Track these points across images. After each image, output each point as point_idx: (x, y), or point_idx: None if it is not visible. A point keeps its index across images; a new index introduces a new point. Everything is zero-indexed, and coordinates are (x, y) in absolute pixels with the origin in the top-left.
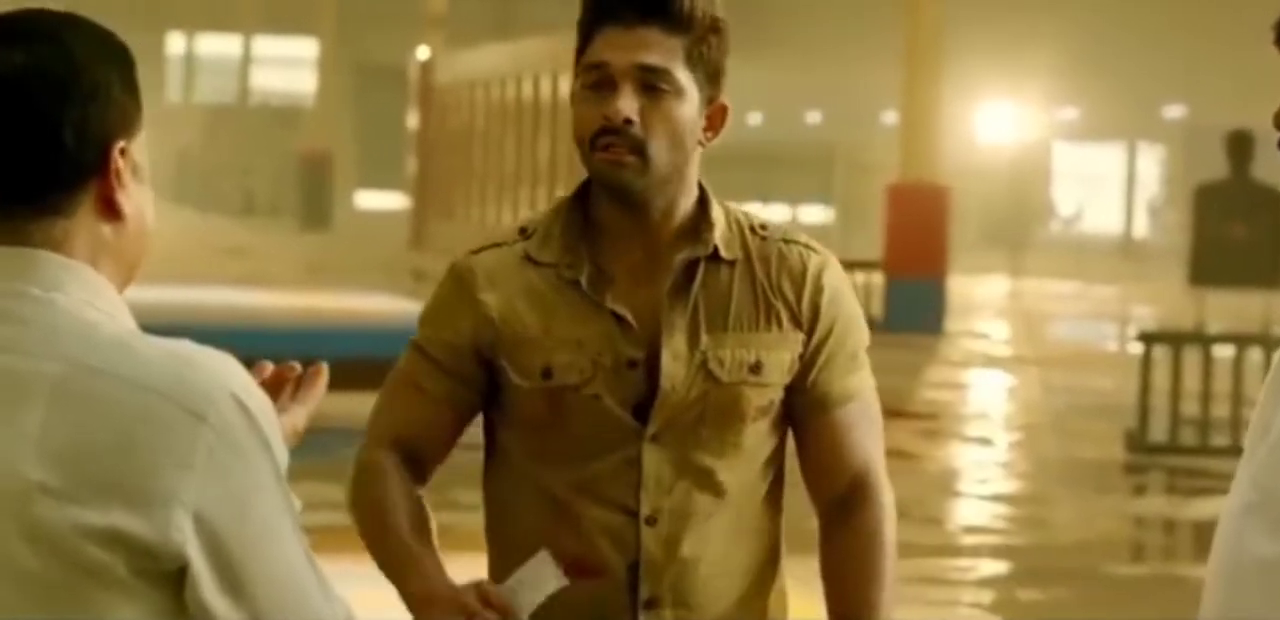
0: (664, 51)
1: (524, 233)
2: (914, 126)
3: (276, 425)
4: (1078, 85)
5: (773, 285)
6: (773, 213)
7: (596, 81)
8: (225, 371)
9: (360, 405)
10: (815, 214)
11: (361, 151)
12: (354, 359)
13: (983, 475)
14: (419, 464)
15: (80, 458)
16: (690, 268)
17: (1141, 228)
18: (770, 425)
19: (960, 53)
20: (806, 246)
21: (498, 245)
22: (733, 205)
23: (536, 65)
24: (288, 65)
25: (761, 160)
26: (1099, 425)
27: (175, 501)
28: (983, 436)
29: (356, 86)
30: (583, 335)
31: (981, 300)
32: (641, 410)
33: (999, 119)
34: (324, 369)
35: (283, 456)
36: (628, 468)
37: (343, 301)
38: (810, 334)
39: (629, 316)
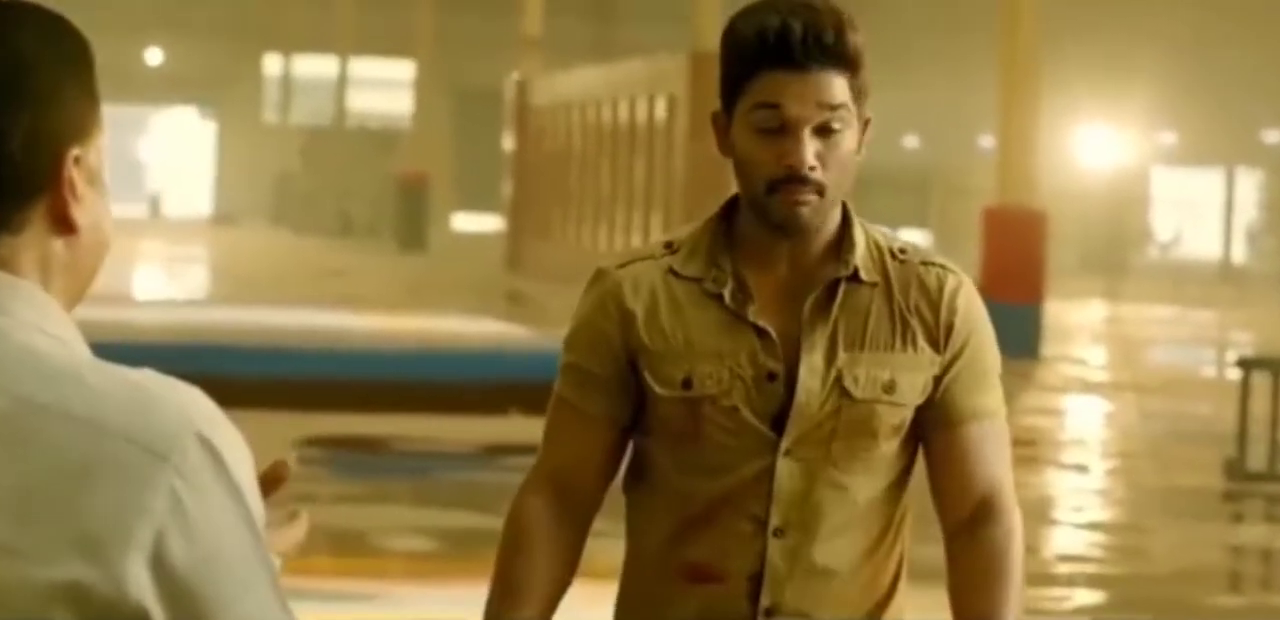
0: (839, 89)
1: (669, 247)
2: (1012, 150)
3: (250, 469)
4: (1176, 110)
5: (909, 306)
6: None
7: (773, 126)
8: (191, 406)
9: (453, 429)
10: (913, 238)
11: (458, 174)
12: (448, 382)
13: (1079, 503)
14: (578, 495)
15: (28, 506)
16: (832, 287)
17: (1240, 253)
18: (902, 445)
19: (1058, 76)
20: (943, 268)
21: (643, 258)
22: (869, 225)
23: (633, 87)
24: (385, 87)
25: (858, 184)
26: (1197, 452)
27: (132, 550)
28: (1080, 463)
29: (453, 109)
30: (724, 347)
31: (1079, 325)
32: (778, 423)
33: (1097, 143)
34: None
35: (256, 504)
36: (761, 480)
37: (439, 324)
38: (944, 353)
39: (771, 331)
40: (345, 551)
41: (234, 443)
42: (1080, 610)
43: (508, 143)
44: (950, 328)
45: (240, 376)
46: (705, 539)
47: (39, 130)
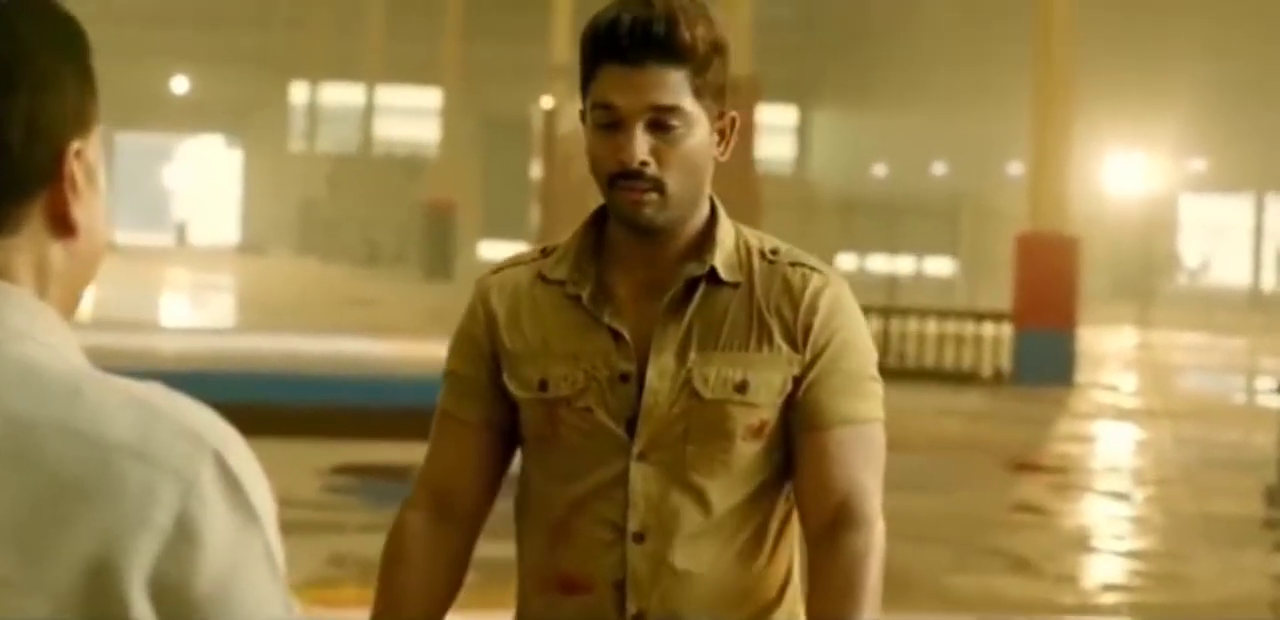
0: (670, 88)
1: (545, 253)
2: (1044, 176)
3: (270, 498)
4: (1206, 136)
5: (770, 306)
6: (899, 264)
7: (606, 122)
8: (205, 425)
9: None
10: (942, 265)
11: (485, 201)
12: None
13: (1117, 531)
14: (458, 504)
15: (24, 530)
16: (689, 287)
17: (1270, 279)
18: (768, 448)
19: (1088, 103)
20: (811, 269)
21: (516, 264)
22: (748, 229)
23: None
24: (411, 115)
25: (887, 211)
26: (1234, 479)
27: (135, 575)
28: (1116, 491)
29: (480, 136)
30: (579, 349)
31: (1110, 352)
32: (633, 425)
33: (1126, 169)
34: None
35: (275, 536)
36: (617, 484)
37: None
38: (803, 353)
39: (625, 332)
40: (374, 582)
41: (252, 468)
42: None
43: (535, 170)
44: (809, 328)
45: (267, 404)
46: (571, 547)
47: (39, 119)
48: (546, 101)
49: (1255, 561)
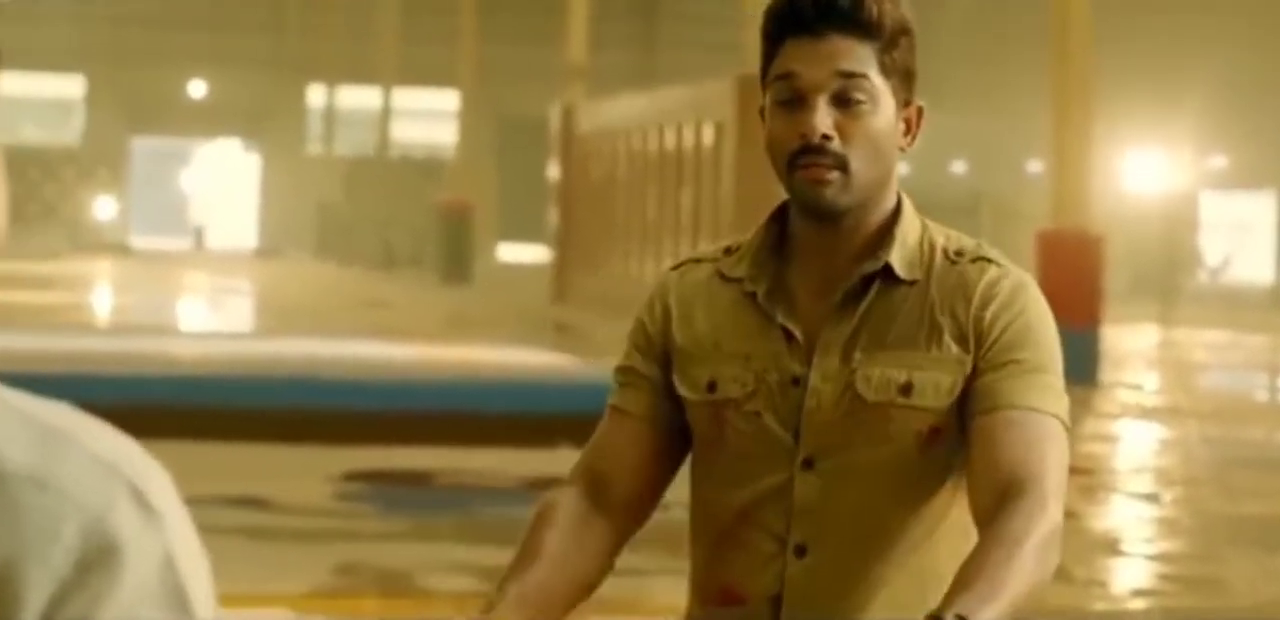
0: (857, 59)
1: (728, 251)
2: (1065, 173)
3: (191, 533)
4: (1227, 133)
5: (944, 304)
6: None
7: (788, 97)
8: (118, 453)
9: (499, 462)
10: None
11: (503, 204)
12: (494, 414)
13: (1146, 533)
14: (611, 493)
15: None
16: (864, 284)
17: None
18: (944, 457)
19: (1108, 100)
20: (992, 262)
21: (697, 261)
22: (940, 228)
23: (679, 114)
24: (428, 117)
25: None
26: (1264, 479)
27: (23, 615)
28: (1144, 492)
29: (498, 138)
30: (752, 350)
31: (1133, 350)
32: (799, 432)
33: (1147, 167)
34: None
35: (194, 577)
36: (781, 494)
37: (484, 355)
38: (974, 349)
39: (798, 332)
40: (389, 591)
41: (174, 504)
42: None
43: (552, 172)
44: (980, 319)
45: (282, 409)
46: (733, 558)
47: None
48: (564, 102)
49: None
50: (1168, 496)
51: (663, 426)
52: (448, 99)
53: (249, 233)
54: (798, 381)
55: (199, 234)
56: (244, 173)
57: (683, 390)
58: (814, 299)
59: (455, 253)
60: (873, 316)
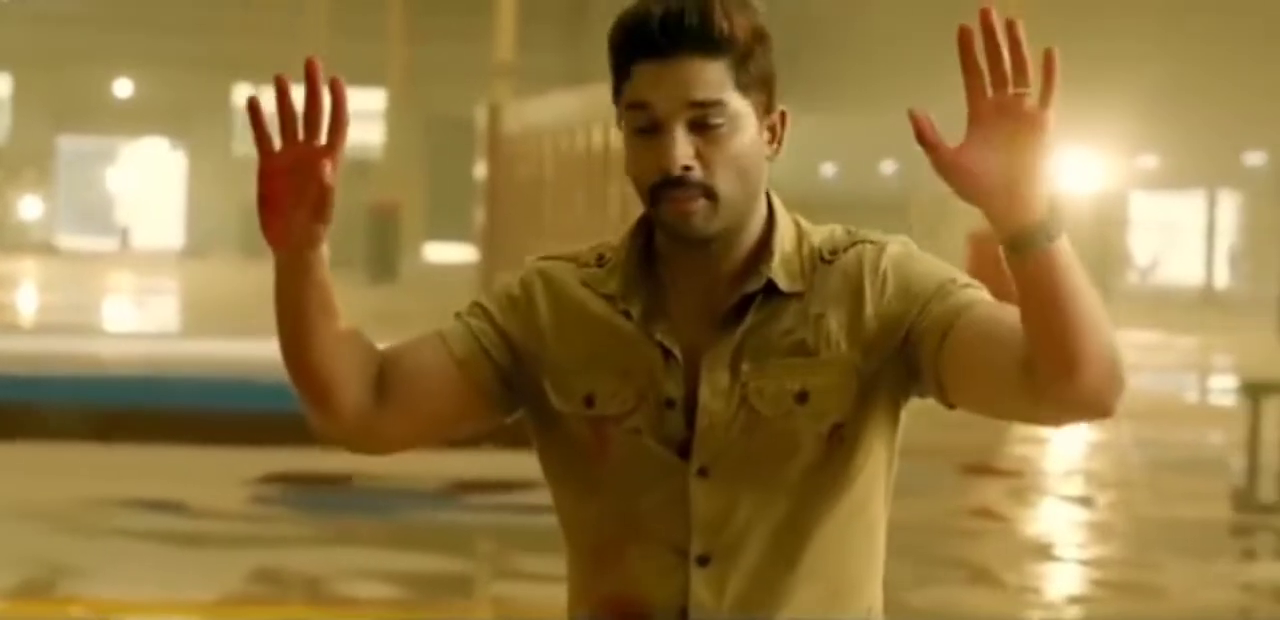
0: (710, 82)
1: (600, 262)
2: None
3: None
4: (1157, 133)
5: (829, 307)
6: None
7: (644, 126)
8: None
9: (421, 464)
10: None
11: (430, 203)
12: None
13: (1079, 538)
14: (390, 392)
15: None
16: (745, 302)
17: (1221, 277)
18: (846, 454)
19: None
20: (863, 243)
21: (570, 262)
22: (815, 227)
23: (606, 113)
24: (356, 117)
25: (835, 211)
26: (1198, 482)
27: None
28: (1076, 495)
29: (426, 138)
30: (629, 364)
31: None
32: (685, 449)
33: (1077, 167)
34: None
35: None
36: (676, 503)
37: None
38: (915, 321)
39: (676, 351)
40: (304, 599)
41: None
42: None
43: (480, 171)
44: (890, 311)
45: (199, 410)
46: (625, 570)
47: None
48: (491, 101)
49: (1225, 570)
50: (1100, 500)
51: (470, 384)
52: (375, 99)
53: (176, 233)
54: (671, 403)
55: (125, 234)
56: (170, 172)
57: (558, 403)
58: (693, 318)
59: (382, 252)
60: (757, 330)
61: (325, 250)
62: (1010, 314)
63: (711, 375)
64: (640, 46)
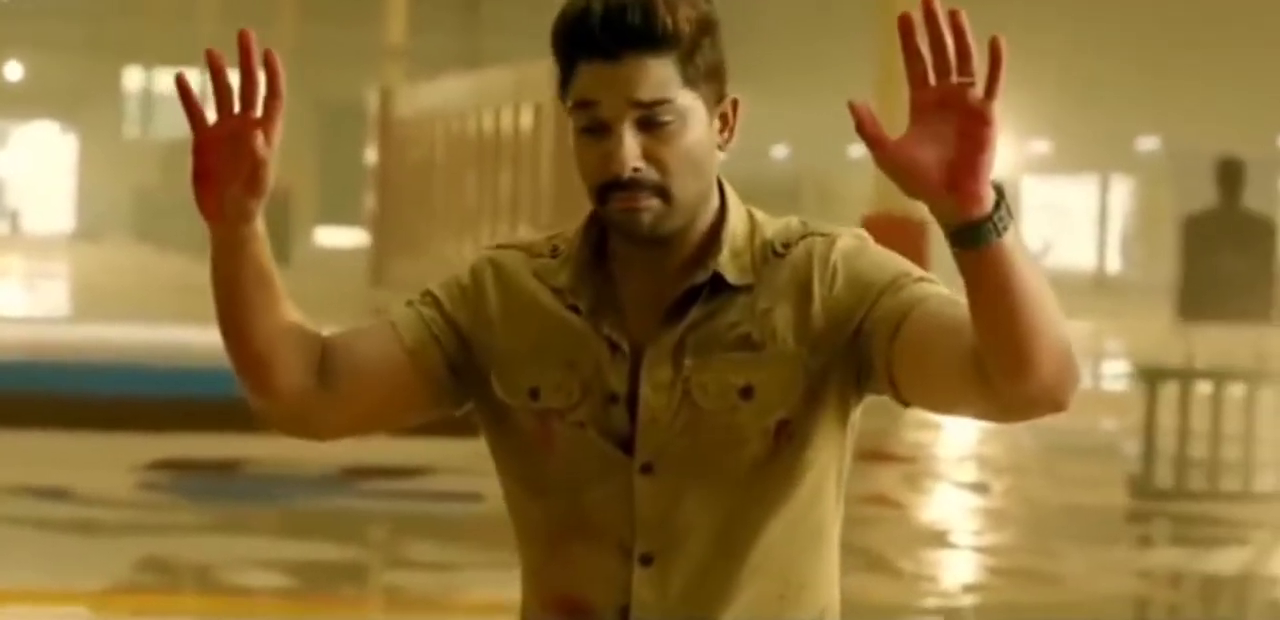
0: (656, 81)
1: (554, 253)
2: None
3: None
4: (1049, 118)
5: (778, 301)
6: None
7: (591, 125)
8: None
9: (310, 450)
10: None
11: (322, 187)
12: None
13: (975, 525)
14: (331, 366)
15: None
16: (692, 294)
17: (1114, 262)
18: (794, 452)
19: None
20: (814, 235)
21: (522, 251)
22: (770, 219)
23: (498, 97)
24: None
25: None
26: (1093, 468)
27: None
28: (970, 481)
29: (316, 121)
30: (575, 356)
31: None
32: (630, 444)
33: None
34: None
35: None
36: (621, 501)
37: None
38: (866, 313)
39: (624, 345)
40: (189, 588)
41: None
42: None
43: (371, 155)
44: (823, 296)
45: (88, 395)
46: (571, 568)
47: None
48: (382, 84)
49: (1122, 557)
50: (995, 486)
51: (417, 374)
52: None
53: (66, 216)
54: (615, 398)
55: (15, 217)
56: (61, 156)
57: (503, 395)
58: (642, 312)
59: (273, 236)
60: (702, 324)
61: (260, 226)
62: (965, 309)
63: (653, 370)
64: (582, 46)
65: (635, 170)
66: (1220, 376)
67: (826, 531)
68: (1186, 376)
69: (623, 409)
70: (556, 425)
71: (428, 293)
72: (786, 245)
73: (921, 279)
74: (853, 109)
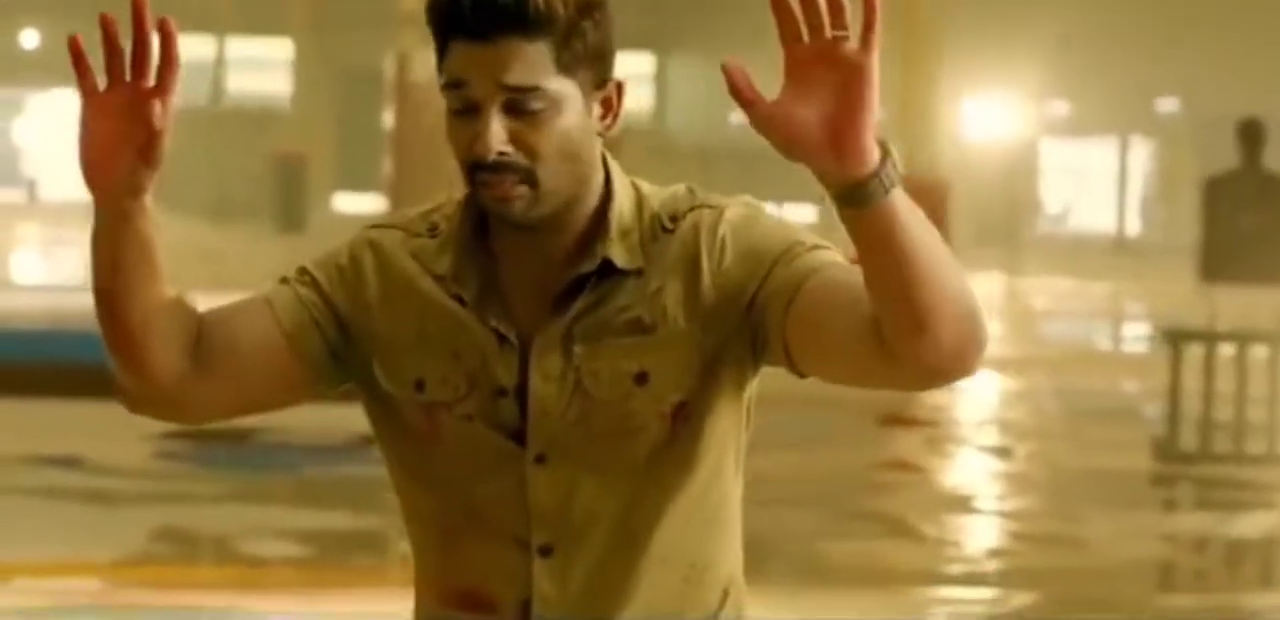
0: (527, 65)
1: (433, 233)
2: (908, 119)
3: None
4: (1069, 79)
5: (668, 278)
6: None
7: (460, 107)
8: None
9: (326, 418)
10: (805, 212)
11: (339, 153)
12: None
13: (998, 489)
14: (205, 346)
15: None
16: (579, 283)
17: (1133, 224)
18: (692, 433)
19: (949, 46)
20: (701, 207)
21: (401, 230)
22: (658, 190)
23: None
24: (262, 67)
25: (745, 158)
26: (1116, 431)
27: None
28: (993, 445)
29: (333, 87)
30: (459, 346)
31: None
32: (522, 435)
33: (988, 114)
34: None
35: None
36: (515, 492)
37: None
38: (758, 288)
39: (511, 335)
40: (205, 558)
41: None
42: (1019, 613)
43: (388, 120)
44: (713, 271)
45: (99, 363)
46: (468, 561)
47: None
48: (399, 49)
49: (1146, 521)
50: (1018, 450)
51: (295, 357)
52: (283, 48)
53: (83, 185)
54: (503, 392)
55: (32, 186)
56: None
57: (387, 385)
58: (528, 299)
59: (290, 203)
60: (591, 310)
61: (148, 201)
62: (861, 275)
63: (542, 360)
64: (453, 25)
65: (501, 154)
66: (1244, 338)
67: (727, 507)
68: (1210, 338)
69: (512, 402)
70: (443, 417)
71: (304, 271)
72: (674, 219)
73: (815, 247)
74: (725, 70)
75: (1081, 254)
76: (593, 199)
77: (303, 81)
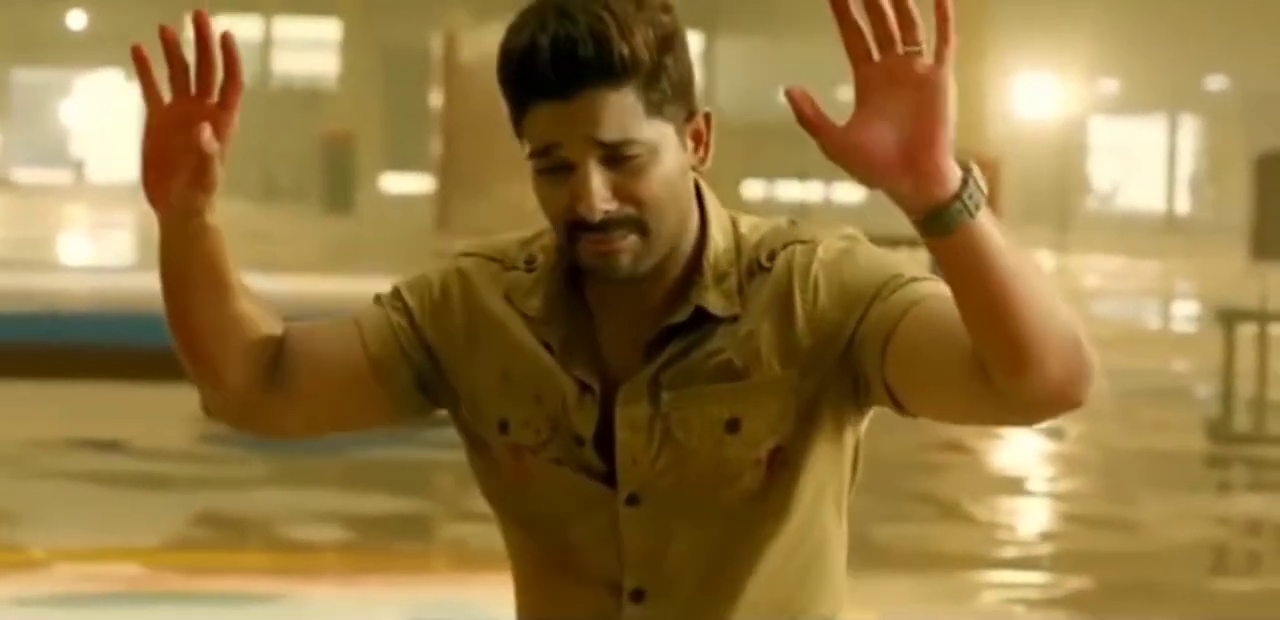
0: (618, 116)
1: (530, 266)
2: (959, 98)
3: None
4: (1118, 57)
5: (760, 322)
6: (809, 191)
7: (553, 167)
8: None
9: None
10: (852, 192)
11: (387, 133)
12: None
13: (1050, 471)
14: (288, 365)
15: None
16: (671, 331)
17: (1182, 202)
18: (790, 477)
19: (997, 23)
20: (796, 243)
21: (498, 262)
22: (755, 226)
23: None
24: (310, 47)
25: (795, 137)
26: (1169, 412)
27: None
28: (1044, 427)
29: (380, 67)
30: (541, 388)
31: None
32: (611, 478)
33: (1037, 91)
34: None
35: None
36: (607, 536)
37: (365, 286)
38: (857, 325)
39: (595, 385)
40: (247, 543)
41: None
42: (1072, 598)
43: (436, 101)
44: (825, 320)
45: (143, 346)
46: (563, 600)
47: None
48: (447, 29)
49: (1201, 503)
50: (1070, 431)
51: (380, 384)
52: (331, 29)
53: (131, 165)
54: (581, 441)
55: (80, 167)
56: (126, 105)
57: (473, 424)
58: (620, 348)
59: (337, 183)
60: (680, 356)
61: (212, 220)
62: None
63: (627, 409)
64: (533, 87)
65: (605, 212)
66: None
67: (827, 552)
68: (1263, 318)
69: (591, 450)
70: (530, 460)
71: (398, 295)
72: (771, 257)
73: (914, 279)
74: (789, 97)
75: (1131, 232)
76: (690, 240)
77: (350, 62)
